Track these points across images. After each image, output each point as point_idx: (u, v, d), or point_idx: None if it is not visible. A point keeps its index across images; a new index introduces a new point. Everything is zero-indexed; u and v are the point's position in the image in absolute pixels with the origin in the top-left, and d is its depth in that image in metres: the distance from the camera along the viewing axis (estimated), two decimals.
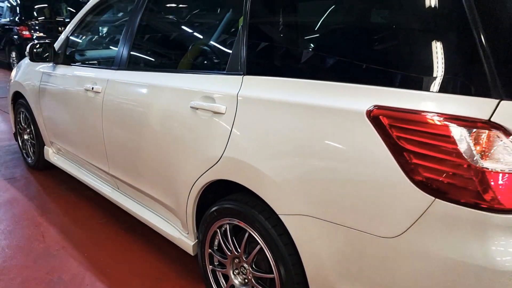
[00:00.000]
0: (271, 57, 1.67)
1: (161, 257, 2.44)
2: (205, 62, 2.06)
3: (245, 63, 1.73)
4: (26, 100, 3.46)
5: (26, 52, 3.02)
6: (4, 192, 3.27)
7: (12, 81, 3.67)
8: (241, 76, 1.73)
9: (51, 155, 3.38)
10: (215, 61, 1.99)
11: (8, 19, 9.54)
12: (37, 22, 9.33)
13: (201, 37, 2.21)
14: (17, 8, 9.25)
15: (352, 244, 1.37)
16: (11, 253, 2.46)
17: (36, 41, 3.00)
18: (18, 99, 3.65)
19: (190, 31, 2.30)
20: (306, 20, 1.65)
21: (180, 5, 2.36)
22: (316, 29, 1.59)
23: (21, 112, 3.67)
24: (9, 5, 9.65)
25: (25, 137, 3.74)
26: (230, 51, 1.81)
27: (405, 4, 1.33)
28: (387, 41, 1.38)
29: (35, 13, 9.46)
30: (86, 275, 2.26)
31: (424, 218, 1.22)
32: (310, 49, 1.57)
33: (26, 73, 3.42)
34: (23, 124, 3.71)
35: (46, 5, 9.77)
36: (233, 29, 1.90)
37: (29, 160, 3.77)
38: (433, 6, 1.27)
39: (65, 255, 2.44)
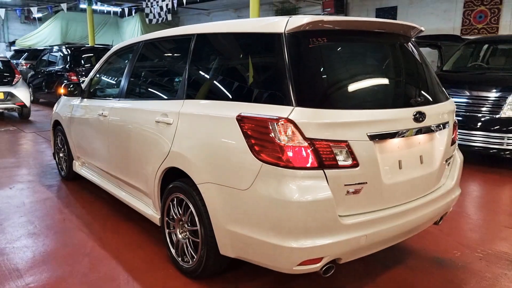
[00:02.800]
0: (197, 88, 2.67)
1: (141, 229, 3.39)
2: (166, 92, 3.08)
3: (185, 92, 2.73)
4: (62, 126, 4.61)
5: (61, 90, 4.18)
6: (42, 194, 4.36)
7: (53, 112, 4.87)
8: (183, 100, 2.72)
9: (77, 167, 4.46)
10: (171, 91, 3.00)
11: (60, 67, 11.23)
12: (83, 68, 10.94)
13: (165, 77, 3.26)
14: (68, 57, 10.94)
15: (229, 196, 2.26)
16: (40, 228, 3.48)
17: (68, 82, 4.16)
18: (56, 126, 4.83)
19: (159, 73, 3.35)
20: (212, 67, 2.64)
21: (153, 57, 3.46)
22: (217, 72, 2.57)
23: (59, 136, 4.82)
24: (61, 55, 11.39)
25: (61, 155, 4.88)
26: (179, 85, 2.82)
27: (252, 60, 2.30)
28: (246, 79, 2.34)
29: (82, 61, 11.11)
30: (89, 241, 3.23)
31: (259, 176, 2.11)
32: (213, 84, 2.56)
33: (62, 106, 4.60)
34: (59, 145, 4.86)
35: (92, 54, 11.44)
36: (181, 72, 2.90)
37: (62, 173, 4.89)
38: (268, 61, 2.23)
39: (77, 230, 3.44)
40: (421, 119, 2.34)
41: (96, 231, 3.44)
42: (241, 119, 2.21)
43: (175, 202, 2.77)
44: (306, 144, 2.02)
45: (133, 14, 17.49)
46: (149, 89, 3.37)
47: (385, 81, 2.45)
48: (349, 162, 2.09)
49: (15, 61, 15.47)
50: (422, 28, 2.65)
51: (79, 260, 2.95)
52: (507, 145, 5.56)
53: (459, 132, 6.03)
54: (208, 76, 2.65)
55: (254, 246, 2.20)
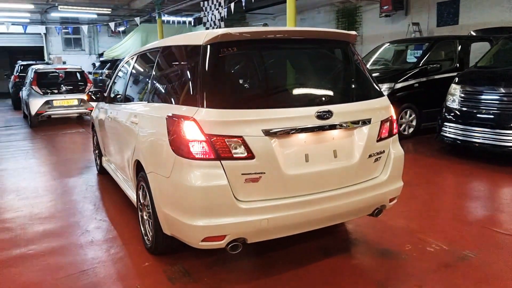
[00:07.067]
0: (154, 92, 3.16)
1: (131, 210, 3.99)
2: (139, 97, 3.62)
3: (149, 96, 3.23)
4: (94, 127, 5.42)
5: (85, 96, 4.95)
6: (80, 183, 5.23)
7: (91, 115, 5.72)
8: (147, 102, 3.23)
9: (104, 161, 5.23)
10: (143, 95, 3.52)
11: None
12: None
13: (143, 83, 3.80)
14: None
15: (161, 183, 2.71)
16: (72, 204, 4.28)
17: (93, 89, 4.92)
18: (93, 127, 5.66)
19: (142, 80, 3.91)
20: (163, 74, 3.10)
21: (140, 67, 4.02)
22: (165, 78, 3.02)
23: (94, 136, 5.65)
24: None
25: (96, 151, 5.70)
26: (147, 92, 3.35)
27: (185, 68, 2.72)
28: (180, 84, 2.77)
29: None
30: (97, 214, 3.93)
31: (174, 166, 2.52)
32: (162, 89, 3.02)
33: (95, 110, 5.41)
34: (95, 143, 5.69)
35: None
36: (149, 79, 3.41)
37: (97, 167, 5.71)
38: (192, 69, 2.64)
39: (95, 208, 4.16)
40: (325, 116, 2.55)
41: (107, 207, 4.24)
42: (168, 119, 2.64)
43: (141, 189, 3.28)
44: (205, 139, 2.39)
45: (197, 24, 18.69)
46: (134, 93, 3.95)
47: (288, 83, 2.71)
48: (245, 154, 2.41)
49: (100, 71, 17.44)
50: (354, 32, 2.83)
51: (80, 231, 3.61)
52: None
53: (490, 132, 5.77)
54: (160, 82, 3.14)
55: (175, 224, 2.62)
